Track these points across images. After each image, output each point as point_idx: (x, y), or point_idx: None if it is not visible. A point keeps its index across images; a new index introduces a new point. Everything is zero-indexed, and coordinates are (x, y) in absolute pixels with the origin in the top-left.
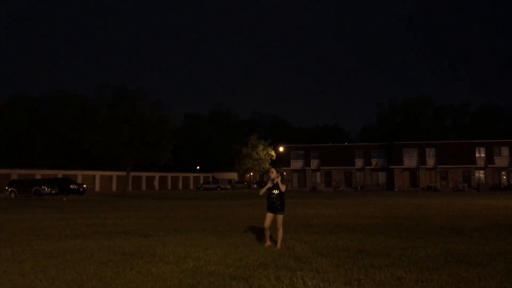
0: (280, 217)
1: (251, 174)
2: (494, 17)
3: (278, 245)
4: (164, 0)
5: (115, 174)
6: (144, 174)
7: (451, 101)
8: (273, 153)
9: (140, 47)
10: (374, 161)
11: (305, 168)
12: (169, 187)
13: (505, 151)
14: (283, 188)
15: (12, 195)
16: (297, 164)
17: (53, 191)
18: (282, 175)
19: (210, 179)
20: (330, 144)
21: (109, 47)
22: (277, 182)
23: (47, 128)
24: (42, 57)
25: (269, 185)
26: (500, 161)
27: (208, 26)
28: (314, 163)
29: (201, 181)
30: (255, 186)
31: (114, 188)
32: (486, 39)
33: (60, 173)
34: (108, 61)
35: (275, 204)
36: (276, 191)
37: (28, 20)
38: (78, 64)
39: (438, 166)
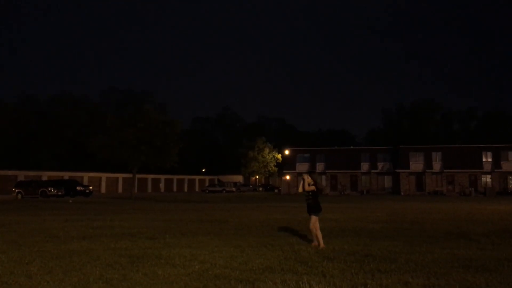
0: (311, 218)
1: (257, 177)
2: (500, 24)
3: (314, 242)
4: (172, 3)
5: (121, 176)
6: (150, 177)
7: (457, 106)
8: (279, 156)
9: (149, 51)
10: (380, 165)
11: None
12: (175, 189)
13: None
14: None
15: (19, 196)
16: (302, 167)
17: (60, 193)
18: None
19: (216, 182)
20: (336, 147)
21: (117, 51)
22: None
23: (54, 131)
24: (50, 60)
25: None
26: (507, 165)
27: (215, 31)
28: (320, 167)
29: (207, 184)
30: (260, 189)
31: (120, 190)
32: (492, 45)
33: (66, 175)
34: (116, 65)
35: (309, 206)
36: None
37: (35, 24)
38: (85, 67)
39: (445, 171)
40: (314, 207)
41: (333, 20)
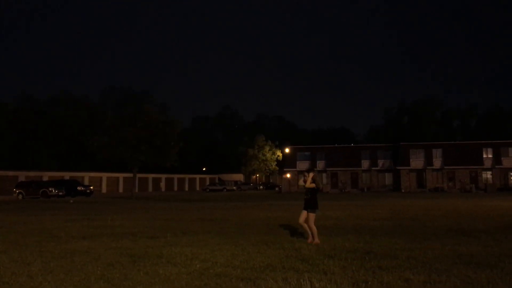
0: (309, 215)
1: (257, 175)
2: (500, 23)
3: (315, 239)
4: (172, 3)
5: (121, 176)
6: (151, 176)
7: (457, 104)
8: (279, 154)
9: (149, 51)
10: (380, 162)
11: None
12: (175, 188)
13: None
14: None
15: (20, 197)
16: (303, 165)
17: (60, 193)
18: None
19: (216, 181)
20: (336, 145)
21: (116, 50)
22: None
23: (54, 131)
24: (50, 60)
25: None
26: (508, 161)
27: (215, 31)
28: (320, 165)
29: (207, 183)
30: (261, 187)
31: (120, 189)
32: (492, 44)
33: (67, 175)
34: (115, 64)
35: (306, 202)
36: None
37: (35, 23)
38: (85, 67)
39: (445, 167)
40: (312, 203)
41: (333, 20)
